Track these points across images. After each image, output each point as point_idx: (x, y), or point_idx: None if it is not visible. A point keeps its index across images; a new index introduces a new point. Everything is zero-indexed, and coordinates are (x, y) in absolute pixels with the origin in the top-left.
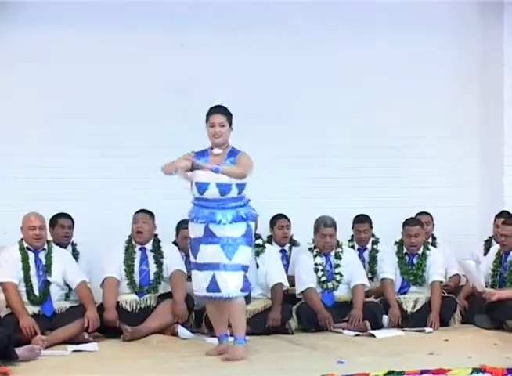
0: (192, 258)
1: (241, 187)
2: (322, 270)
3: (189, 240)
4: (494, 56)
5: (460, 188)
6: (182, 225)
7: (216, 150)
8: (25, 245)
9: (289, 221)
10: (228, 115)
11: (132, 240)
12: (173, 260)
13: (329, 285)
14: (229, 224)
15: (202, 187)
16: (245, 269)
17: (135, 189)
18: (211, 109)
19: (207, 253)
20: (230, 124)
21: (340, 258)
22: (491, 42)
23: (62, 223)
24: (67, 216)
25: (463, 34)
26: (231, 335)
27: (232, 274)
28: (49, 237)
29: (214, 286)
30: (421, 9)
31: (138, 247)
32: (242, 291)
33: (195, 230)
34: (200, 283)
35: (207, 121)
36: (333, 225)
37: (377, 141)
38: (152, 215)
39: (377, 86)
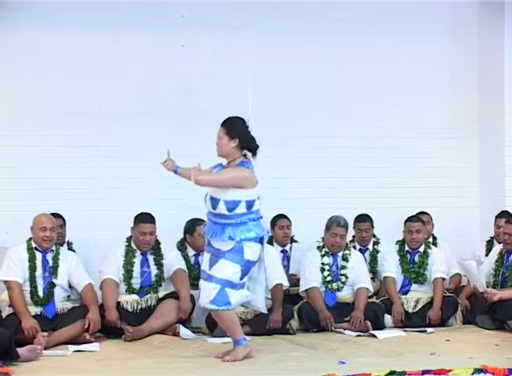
0: None
1: (230, 205)
2: (328, 270)
3: None
4: (494, 56)
5: (461, 188)
6: (198, 221)
7: (224, 161)
8: (33, 245)
9: (289, 221)
10: (229, 127)
11: (133, 244)
12: (172, 260)
13: (334, 286)
14: (220, 239)
15: (205, 200)
16: (223, 283)
17: (134, 190)
18: None
19: (205, 261)
20: (233, 136)
21: (348, 261)
22: (491, 42)
23: None
24: (58, 215)
25: (463, 34)
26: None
27: (206, 284)
28: None
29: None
30: (421, 8)
31: (139, 251)
32: (212, 303)
33: None
34: None
35: None
36: (346, 226)
37: (377, 141)
38: (154, 220)
39: (377, 86)
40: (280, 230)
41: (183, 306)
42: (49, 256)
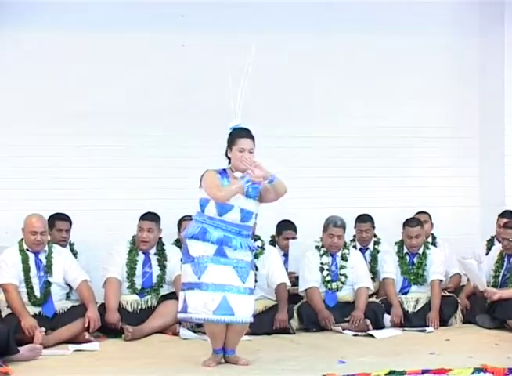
0: (191, 278)
1: (256, 218)
2: (327, 270)
3: (190, 258)
4: (494, 55)
5: (461, 188)
6: (185, 217)
7: (238, 174)
8: (25, 247)
9: (295, 231)
10: (254, 140)
11: (137, 244)
12: (175, 265)
13: (334, 285)
14: (243, 250)
15: (224, 208)
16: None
17: (135, 189)
18: (240, 130)
19: (218, 273)
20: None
21: (347, 260)
22: (491, 42)
23: (59, 227)
24: (65, 218)
25: (463, 34)
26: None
27: (248, 298)
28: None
29: (225, 308)
30: (421, 8)
31: (142, 251)
32: (252, 315)
33: (200, 249)
34: (203, 304)
35: (233, 141)
36: (343, 226)
37: (377, 141)
38: (158, 219)
39: (377, 86)
40: (285, 241)
41: None
42: (42, 256)
